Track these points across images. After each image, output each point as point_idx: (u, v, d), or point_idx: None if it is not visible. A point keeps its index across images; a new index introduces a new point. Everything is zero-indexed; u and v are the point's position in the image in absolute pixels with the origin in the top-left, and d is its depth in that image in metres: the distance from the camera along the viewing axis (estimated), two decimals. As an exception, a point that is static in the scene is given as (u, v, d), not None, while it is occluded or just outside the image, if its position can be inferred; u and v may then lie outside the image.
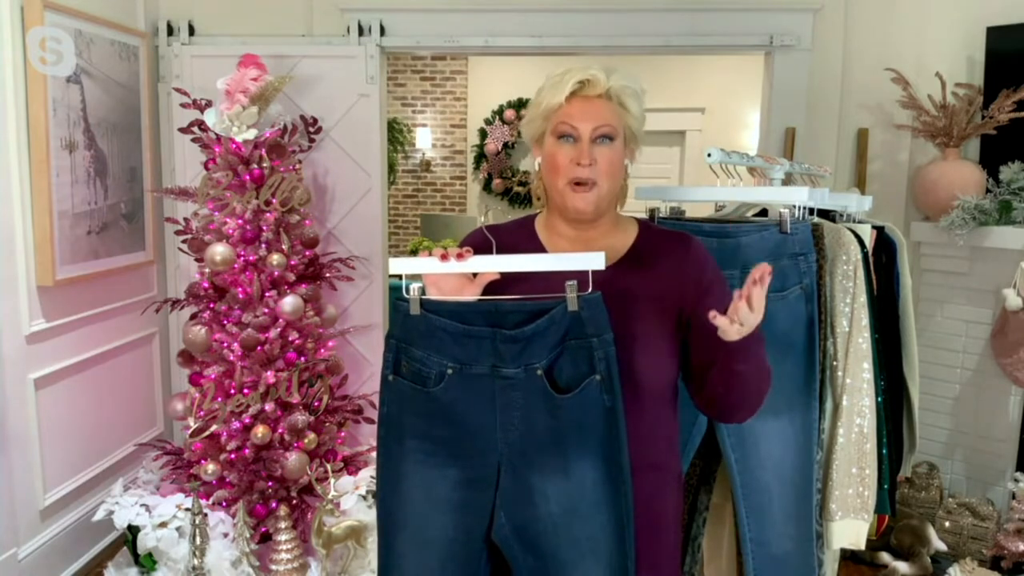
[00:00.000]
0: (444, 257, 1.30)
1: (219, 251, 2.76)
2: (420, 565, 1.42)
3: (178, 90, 3.17)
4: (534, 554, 1.37)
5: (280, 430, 2.82)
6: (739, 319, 1.25)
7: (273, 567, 2.65)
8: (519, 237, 1.50)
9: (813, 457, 1.83)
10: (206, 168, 2.92)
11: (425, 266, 1.32)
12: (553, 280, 1.32)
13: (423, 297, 1.34)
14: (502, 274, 1.34)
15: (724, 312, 1.28)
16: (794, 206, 1.84)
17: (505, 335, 1.31)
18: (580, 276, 1.31)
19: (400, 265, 1.33)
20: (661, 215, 1.97)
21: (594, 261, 1.28)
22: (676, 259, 1.45)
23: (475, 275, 1.34)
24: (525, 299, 1.33)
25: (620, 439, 1.33)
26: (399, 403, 1.39)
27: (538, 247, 1.48)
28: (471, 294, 1.34)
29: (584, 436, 1.33)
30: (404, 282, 1.35)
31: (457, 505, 1.38)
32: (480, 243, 1.44)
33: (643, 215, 1.95)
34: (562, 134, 1.39)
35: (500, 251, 1.38)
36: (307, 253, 3.03)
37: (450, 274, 1.33)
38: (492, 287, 1.35)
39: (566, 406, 1.32)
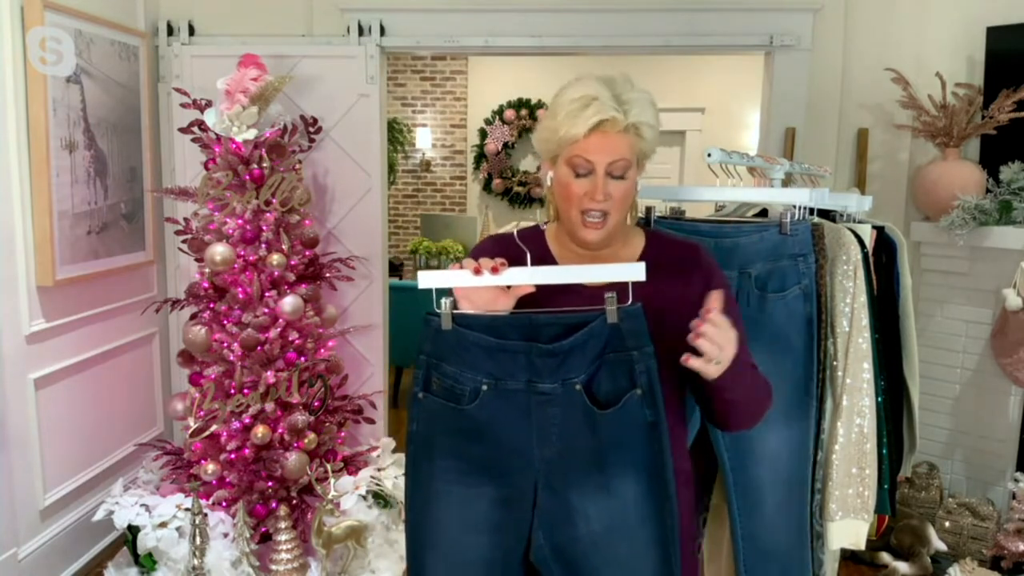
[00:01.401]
0: (478, 271, 1.26)
1: (219, 251, 2.76)
2: None
3: (178, 90, 3.17)
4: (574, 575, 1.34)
5: (280, 430, 2.82)
6: (707, 356, 1.23)
7: (273, 567, 2.65)
8: (531, 250, 1.46)
9: (809, 455, 1.83)
10: (206, 168, 2.91)
11: (457, 279, 1.28)
12: (581, 294, 1.31)
13: (455, 312, 1.30)
14: (520, 296, 1.32)
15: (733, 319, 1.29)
16: (795, 207, 1.84)
17: (542, 349, 1.28)
18: (620, 287, 1.28)
19: (430, 279, 1.28)
20: (659, 214, 1.97)
21: (635, 272, 1.26)
22: (684, 270, 1.44)
23: (509, 287, 1.31)
24: (562, 312, 1.29)
25: (664, 454, 1.30)
26: (430, 421, 1.36)
27: (551, 261, 1.47)
28: (504, 306, 1.31)
29: (625, 453, 1.30)
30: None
31: (494, 526, 1.35)
32: (516, 252, 1.40)
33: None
34: (578, 167, 1.36)
35: (518, 263, 1.33)
36: (307, 253, 3.03)
37: (483, 286, 1.29)
38: (523, 300, 1.32)
39: (606, 422, 1.29)
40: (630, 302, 1.27)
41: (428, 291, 1.32)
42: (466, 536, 1.36)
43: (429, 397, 1.35)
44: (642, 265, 1.26)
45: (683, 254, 1.46)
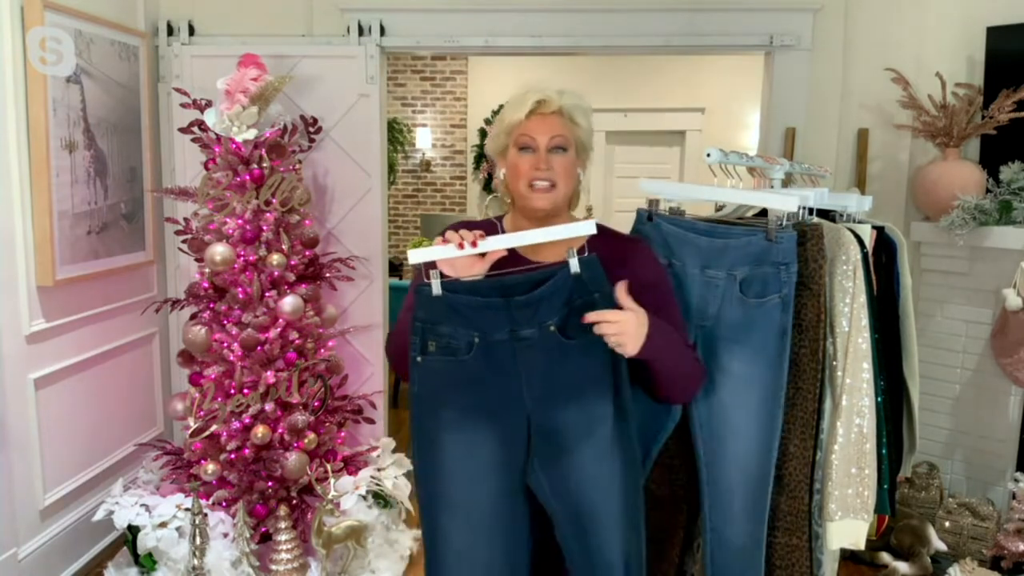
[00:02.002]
0: (461, 245, 1.50)
1: (219, 251, 2.76)
2: (466, 540, 1.55)
3: (178, 90, 3.17)
4: (564, 498, 1.53)
5: (280, 430, 2.82)
6: (610, 336, 1.46)
7: (273, 567, 2.65)
8: (490, 233, 1.65)
9: (772, 457, 1.85)
10: (206, 168, 2.92)
11: (442, 252, 1.51)
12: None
13: (443, 280, 1.52)
14: (493, 261, 1.55)
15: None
16: (787, 214, 1.83)
17: (518, 301, 1.51)
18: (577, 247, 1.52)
19: (420, 255, 1.52)
20: (659, 209, 1.98)
21: (587, 228, 1.51)
22: (622, 257, 1.63)
23: (483, 255, 1.53)
24: (530, 269, 1.54)
25: (624, 379, 1.54)
26: (431, 380, 1.54)
27: None
28: (480, 270, 1.53)
29: (598, 378, 1.53)
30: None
31: (497, 464, 1.53)
32: (487, 228, 1.66)
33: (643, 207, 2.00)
34: (523, 145, 1.62)
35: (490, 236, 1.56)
36: (307, 253, 3.03)
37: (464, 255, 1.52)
38: (495, 265, 1.55)
39: (580, 352, 1.51)
40: (586, 255, 1.50)
41: None
42: (472, 483, 1.54)
43: (426, 359, 1.54)
44: (592, 222, 1.51)
45: (623, 245, 1.68)
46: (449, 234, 1.53)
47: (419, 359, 1.53)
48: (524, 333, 1.51)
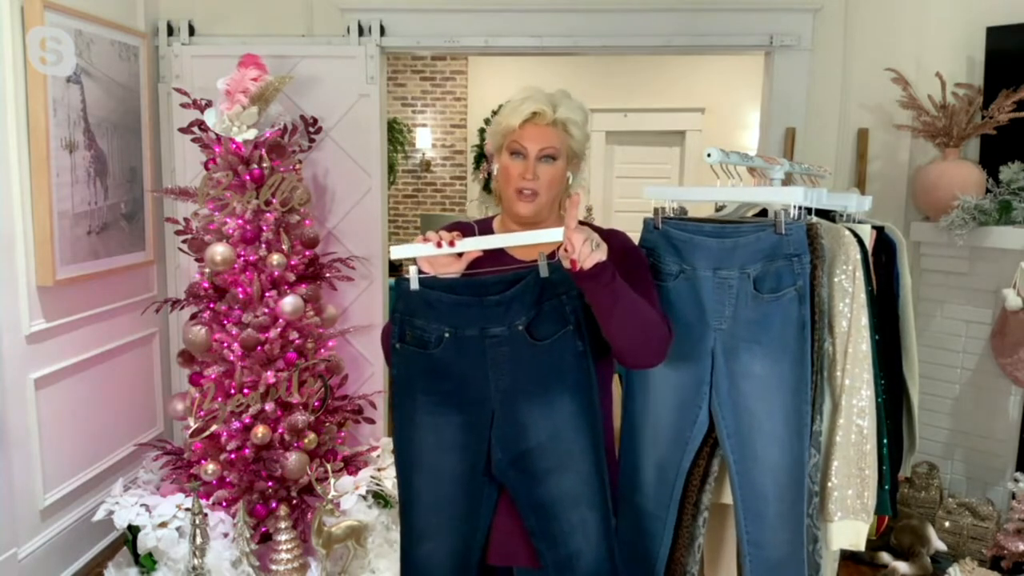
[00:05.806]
0: (439, 244, 1.59)
1: (219, 251, 2.76)
2: (435, 496, 1.68)
3: (178, 90, 3.17)
4: (529, 478, 1.62)
5: (280, 430, 2.82)
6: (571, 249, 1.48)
7: (273, 567, 2.65)
8: (482, 233, 1.75)
9: (805, 460, 1.82)
10: (206, 168, 2.92)
11: (421, 250, 1.61)
12: (511, 263, 1.64)
13: (420, 276, 1.61)
14: (472, 260, 1.63)
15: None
16: (792, 206, 1.83)
17: (490, 300, 1.59)
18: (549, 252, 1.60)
19: (401, 251, 1.64)
20: (664, 215, 1.97)
21: (555, 235, 1.57)
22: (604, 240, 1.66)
23: (460, 254, 1.62)
24: (503, 270, 1.61)
25: (592, 376, 1.60)
26: (407, 365, 1.65)
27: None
28: (458, 269, 1.62)
29: (562, 376, 1.60)
30: (403, 264, 1.62)
31: (460, 446, 1.64)
32: (465, 229, 1.75)
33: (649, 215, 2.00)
34: (514, 151, 1.68)
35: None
36: (307, 253, 3.03)
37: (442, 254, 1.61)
38: (472, 265, 1.64)
39: (546, 351, 1.59)
40: (556, 259, 1.57)
41: None
42: (440, 455, 1.66)
43: (404, 346, 1.64)
44: (560, 229, 1.55)
45: (604, 235, 1.69)
46: (429, 233, 1.62)
47: (398, 346, 1.64)
48: (494, 331, 1.60)
